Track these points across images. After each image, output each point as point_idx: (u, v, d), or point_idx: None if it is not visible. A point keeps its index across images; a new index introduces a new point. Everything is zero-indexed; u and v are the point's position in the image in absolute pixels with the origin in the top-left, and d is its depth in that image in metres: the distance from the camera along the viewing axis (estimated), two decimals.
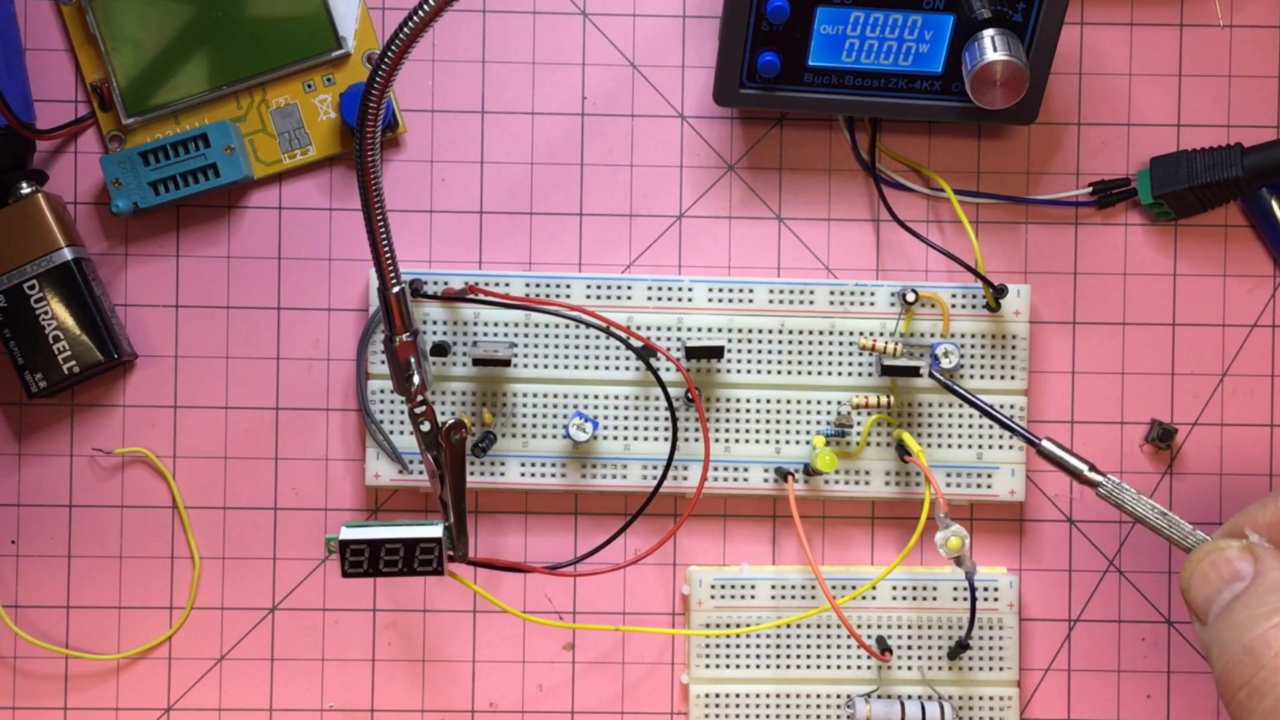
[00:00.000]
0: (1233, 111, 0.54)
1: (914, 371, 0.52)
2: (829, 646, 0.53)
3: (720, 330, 0.52)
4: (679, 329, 0.52)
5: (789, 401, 0.52)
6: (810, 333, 0.52)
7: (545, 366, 0.52)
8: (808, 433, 0.53)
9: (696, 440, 0.52)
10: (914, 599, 0.53)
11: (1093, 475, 0.43)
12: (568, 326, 0.52)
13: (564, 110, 0.54)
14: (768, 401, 0.52)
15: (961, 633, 0.53)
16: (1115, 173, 0.54)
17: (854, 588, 0.53)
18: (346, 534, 0.46)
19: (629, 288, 0.52)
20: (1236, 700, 0.34)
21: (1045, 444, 0.44)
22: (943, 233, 0.54)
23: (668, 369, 0.52)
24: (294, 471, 0.54)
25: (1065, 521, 0.54)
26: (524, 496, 0.54)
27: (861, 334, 0.52)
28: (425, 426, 0.46)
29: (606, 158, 0.54)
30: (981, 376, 0.53)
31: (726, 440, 0.52)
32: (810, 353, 0.53)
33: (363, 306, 0.54)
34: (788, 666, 0.53)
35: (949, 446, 0.53)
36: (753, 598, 0.53)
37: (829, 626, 0.53)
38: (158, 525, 0.54)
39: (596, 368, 0.52)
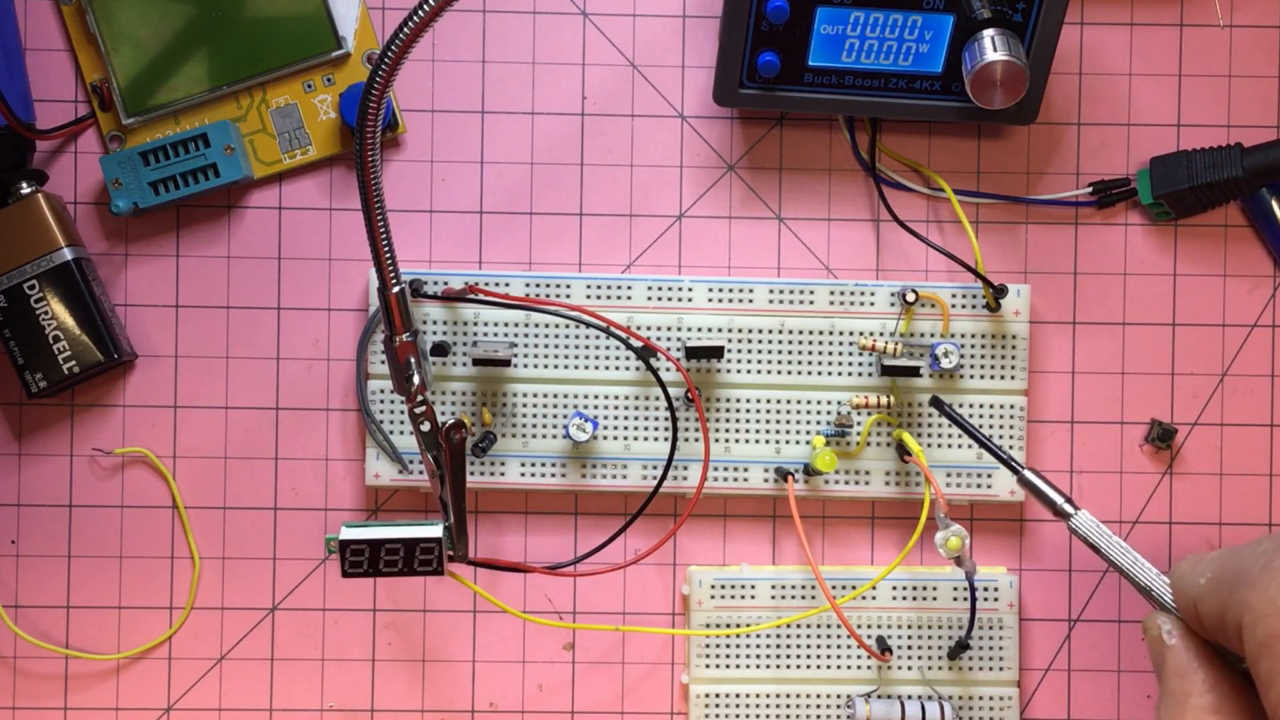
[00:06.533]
0: (1233, 111, 0.54)
1: (914, 371, 0.52)
2: (829, 646, 0.53)
3: (720, 330, 0.52)
4: (679, 329, 0.52)
5: (789, 401, 0.52)
6: (810, 333, 0.52)
7: (545, 366, 0.52)
8: (808, 433, 0.53)
9: (696, 440, 0.52)
10: (914, 599, 0.53)
11: (1066, 507, 0.43)
12: (568, 326, 0.52)
13: (564, 110, 0.54)
14: (768, 401, 0.52)
15: (961, 633, 0.53)
16: (1115, 173, 0.54)
17: (854, 588, 0.53)
18: (346, 534, 0.46)
19: (629, 288, 0.52)
20: None
21: (1026, 472, 0.44)
22: (943, 233, 0.54)
23: (668, 369, 0.52)
24: (294, 471, 0.54)
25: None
26: (524, 496, 0.54)
27: (861, 334, 0.52)
28: (425, 426, 0.46)
29: (606, 158, 0.54)
30: (981, 376, 0.53)
31: (726, 440, 0.52)
32: (810, 353, 0.53)
33: (363, 306, 0.54)
34: (788, 666, 0.53)
35: (949, 446, 0.53)
36: (753, 598, 0.53)
37: (829, 626, 0.53)
38: (158, 525, 0.54)
39: (596, 368, 0.52)
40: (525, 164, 0.54)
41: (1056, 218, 0.54)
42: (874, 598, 0.53)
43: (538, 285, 0.52)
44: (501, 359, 0.51)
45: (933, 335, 0.52)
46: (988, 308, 0.53)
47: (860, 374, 0.53)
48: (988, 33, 0.48)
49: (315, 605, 0.54)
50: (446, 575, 0.47)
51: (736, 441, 0.53)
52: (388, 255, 0.45)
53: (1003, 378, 0.53)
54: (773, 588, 0.53)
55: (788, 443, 0.53)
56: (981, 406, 0.52)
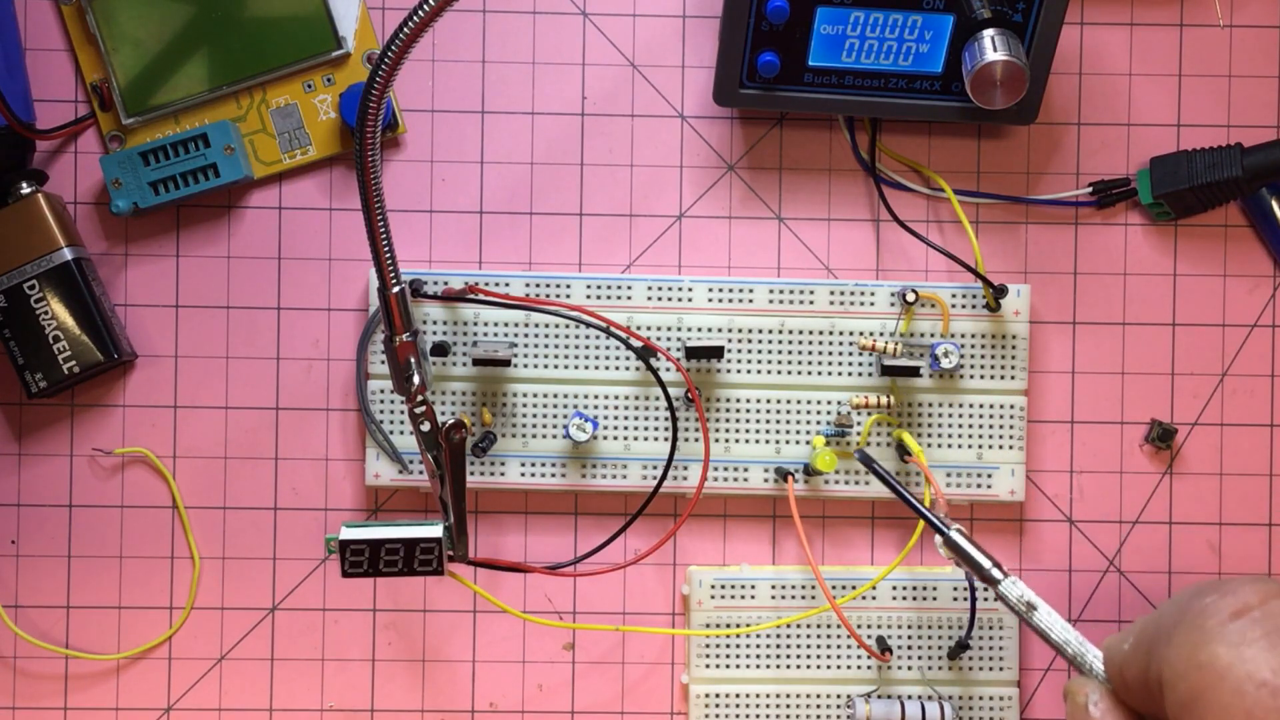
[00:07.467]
0: (1233, 111, 0.54)
1: (914, 371, 0.52)
2: (829, 646, 0.53)
3: (720, 330, 0.52)
4: (679, 329, 0.52)
5: (789, 401, 0.52)
6: (810, 333, 0.52)
7: (545, 366, 0.52)
8: (808, 433, 0.53)
9: (696, 440, 0.52)
10: (914, 599, 0.53)
11: (994, 573, 0.41)
12: (568, 326, 0.52)
13: (564, 110, 0.54)
14: (768, 401, 0.52)
15: (961, 633, 0.53)
16: (1115, 173, 0.54)
17: (854, 588, 0.53)
18: (346, 534, 0.46)
19: (629, 288, 0.52)
20: None
21: (952, 533, 0.43)
22: (943, 233, 0.54)
23: (668, 369, 0.52)
24: (294, 471, 0.54)
25: (1065, 521, 0.54)
26: (524, 496, 0.54)
27: (861, 334, 0.52)
28: (425, 426, 0.46)
29: (606, 158, 0.54)
30: (981, 376, 0.53)
31: (726, 440, 0.52)
32: (810, 353, 0.53)
33: (363, 306, 0.54)
34: (788, 666, 0.53)
35: (949, 446, 0.53)
36: (753, 598, 0.53)
37: (829, 626, 0.53)
38: (158, 525, 0.54)
39: (596, 368, 0.52)
40: (525, 164, 0.54)
41: (1056, 218, 0.54)
42: (874, 598, 0.53)
43: (538, 285, 0.52)
44: (501, 359, 0.51)
45: (933, 335, 0.52)
46: (988, 308, 0.53)
47: (860, 374, 0.53)
48: (988, 33, 0.48)
49: (315, 605, 0.54)
50: (446, 575, 0.47)
51: (736, 441, 0.52)
52: (388, 255, 0.45)
53: (1003, 378, 0.53)
54: (773, 588, 0.53)
55: (788, 443, 0.53)
56: (981, 406, 0.52)
